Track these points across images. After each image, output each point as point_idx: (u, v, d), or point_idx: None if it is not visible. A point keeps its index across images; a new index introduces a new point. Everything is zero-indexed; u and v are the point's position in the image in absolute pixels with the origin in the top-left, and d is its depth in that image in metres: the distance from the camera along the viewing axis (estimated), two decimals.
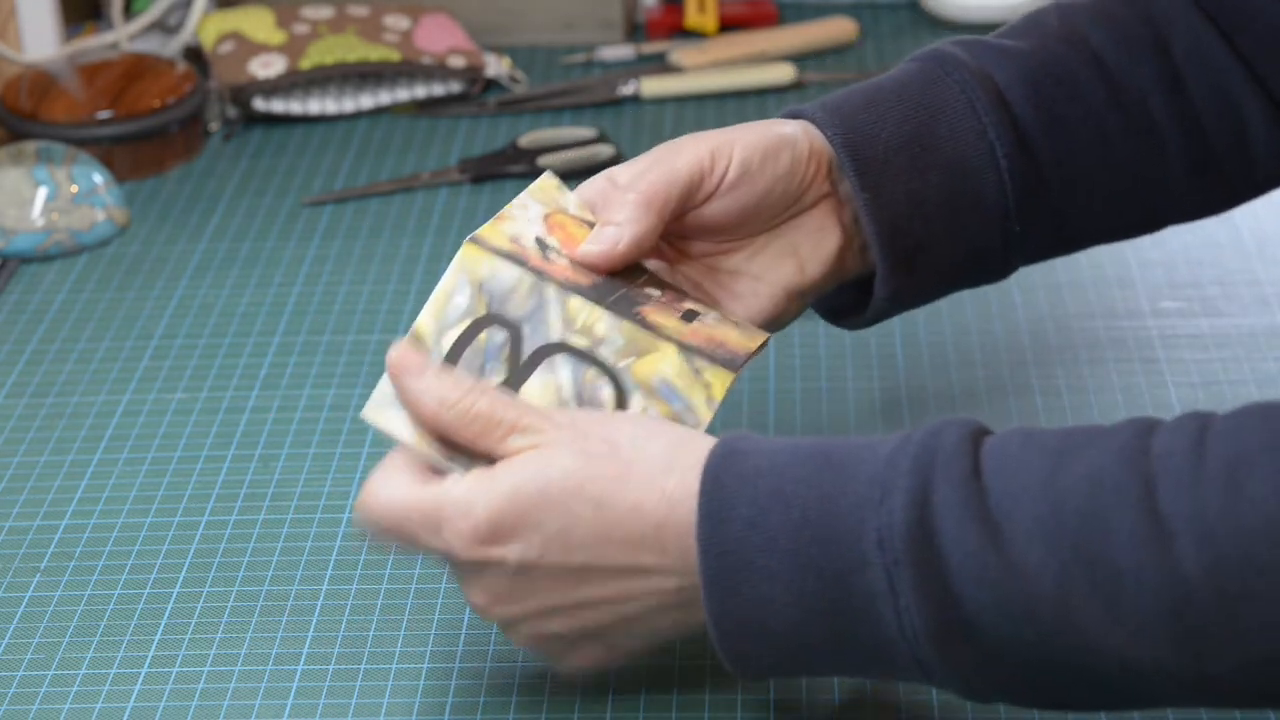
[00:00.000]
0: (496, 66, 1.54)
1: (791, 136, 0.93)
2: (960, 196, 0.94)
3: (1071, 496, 0.75)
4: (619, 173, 0.93)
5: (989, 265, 0.97)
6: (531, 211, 0.92)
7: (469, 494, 0.82)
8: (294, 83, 1.49)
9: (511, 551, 0.81)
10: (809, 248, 0.95)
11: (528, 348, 0.88)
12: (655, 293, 0.91)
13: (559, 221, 0.92)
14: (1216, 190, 1.01)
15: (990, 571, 0.75)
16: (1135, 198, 0.99)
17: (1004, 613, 0.75)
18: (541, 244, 0.90)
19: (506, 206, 0.92)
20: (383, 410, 0.86)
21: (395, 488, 0.84)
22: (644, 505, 0.80)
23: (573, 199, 0.93)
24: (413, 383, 0.85)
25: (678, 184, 0.91)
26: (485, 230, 0.90)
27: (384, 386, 0.87)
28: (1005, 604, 0.75)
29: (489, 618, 0.85)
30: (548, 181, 0.94)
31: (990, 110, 0.95)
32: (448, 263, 1.35)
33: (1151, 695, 0.77)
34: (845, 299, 0.99)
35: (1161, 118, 0.97)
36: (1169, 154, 0.98)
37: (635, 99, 1.53)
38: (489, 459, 0.84)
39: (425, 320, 0.88)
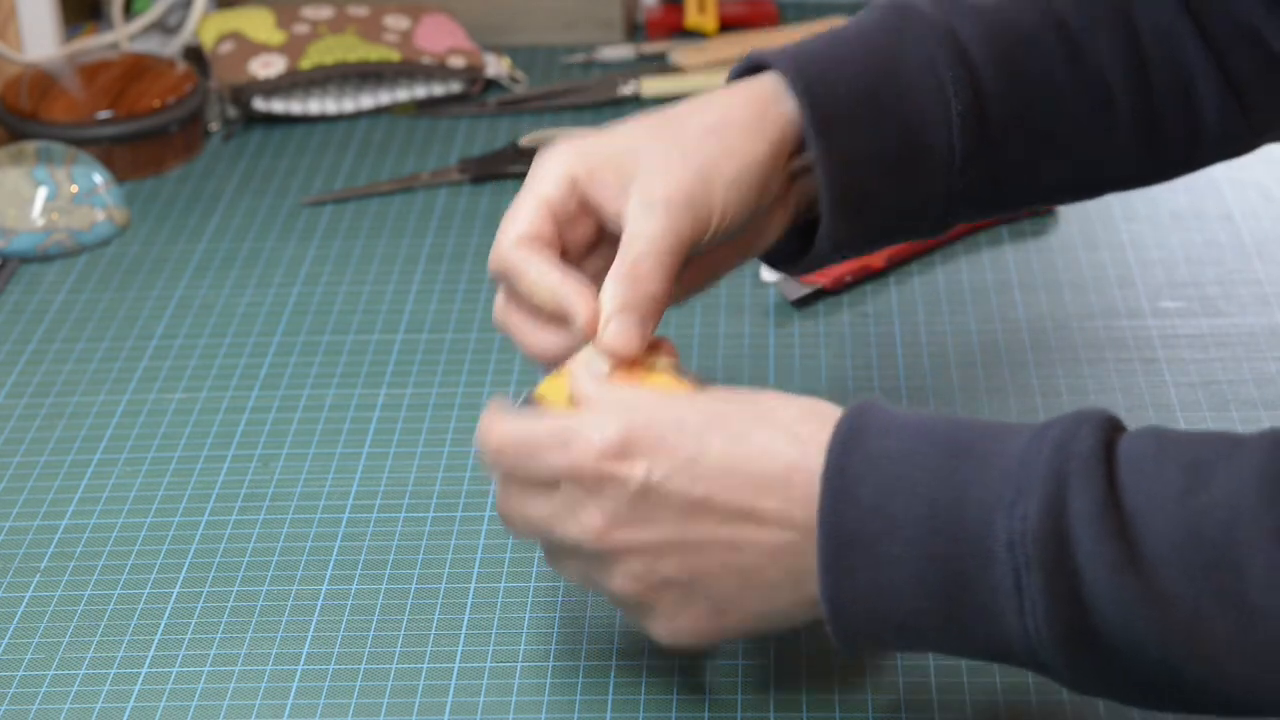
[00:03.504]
0: (496, 66, 1.54)
1: (763, 159, 0.92)
2: (912, 150, 0.94)
3: (1207, 524, 0.75)
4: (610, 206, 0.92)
5: (929, 216, 0.97)
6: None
7: (605, 411, 0.83)
8: (294, 83, 1.49)
9: (637, 469, 0.81)
10: (753, 236, 0.96)
11: None
12: None
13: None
14: (1159, 161, 1.01)
15: (1126, 592, 0.75)
16: (1079, 159, 0.99)
17: (1134, 630, 0.76)
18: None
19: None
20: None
21: (521, 417, 0.85)
22: (776, 446, 0.81)
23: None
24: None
25: (678, 260, 0.90)
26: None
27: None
28: (1137, 623, 0.75)
29: (602, 546, 0.83)
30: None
31: (950, 65, 0.94)
32: (447, 263, 1.35)
33: (1265, 713, 0.77)
34: (786, 245, 0.99)
35: (1116, 85, 0.98)
36: (1118, 120, 0.98)
37: (635, 99, 1.53)
38: None
39: None
